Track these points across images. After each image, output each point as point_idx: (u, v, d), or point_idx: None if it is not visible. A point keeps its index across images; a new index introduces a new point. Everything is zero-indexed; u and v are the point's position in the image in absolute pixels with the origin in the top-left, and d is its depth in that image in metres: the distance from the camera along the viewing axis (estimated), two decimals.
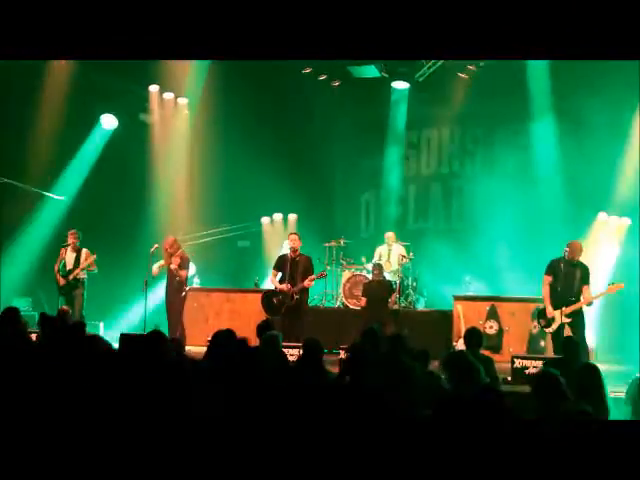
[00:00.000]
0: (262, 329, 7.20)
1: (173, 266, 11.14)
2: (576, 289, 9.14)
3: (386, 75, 14.19)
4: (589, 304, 9.14)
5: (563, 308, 9.04)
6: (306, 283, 10.61)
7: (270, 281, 11.28)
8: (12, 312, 7.47)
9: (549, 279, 9.33)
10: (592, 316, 9.31)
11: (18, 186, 12.23)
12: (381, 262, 12.36)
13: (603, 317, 11.13)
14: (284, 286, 10.65)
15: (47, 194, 12.77)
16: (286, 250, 11.29)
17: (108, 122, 13.92)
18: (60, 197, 12.79)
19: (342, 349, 9.26)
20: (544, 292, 9.36)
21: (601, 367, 6.49)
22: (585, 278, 9.20)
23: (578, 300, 9.12)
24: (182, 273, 11.20)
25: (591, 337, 9.09)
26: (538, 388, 4.74)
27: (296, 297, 10.60)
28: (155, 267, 11.36)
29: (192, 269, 13.41)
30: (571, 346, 7.05)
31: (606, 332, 11.26)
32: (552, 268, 9.33)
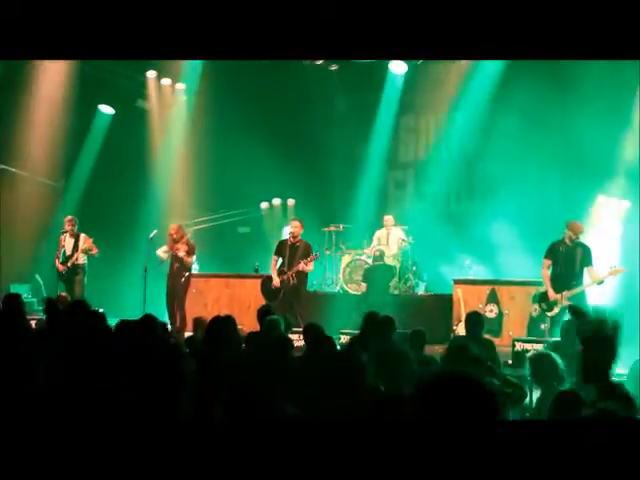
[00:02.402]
0: (263, 314, 7.17)
1: (182, 253, 11.16)
2: (577, 271, 9.14)
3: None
4: (600, 282, 9.10)
5: (565, 292, 9.04)
6: (300, 266, 10.64)
7: (271, 267, 11.30)
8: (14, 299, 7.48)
9: (548, 262, 9.34)
10: (594, 299, 9.27)
11: (16, 172, 12.21)
12: (381, 247, 12.34)
13: (604, 299, 11.12)
14: (277, 281, 10.73)
15: (45, 180, 12.74)
16: (287, 235, 11.32)
17: (105, 108, 13.91)
18: (55, 183, 12.76)
19: (342, 334, 9.31)
20: (544, 276, 9.37)
21: None
22: (587, 259, 9.17)
23: (579, 283, 9.12)
24: (189, 259, 11.26)
25: None
26: (535, 370, 4.74)
27: (293, 281, 10.65)
28: (161, 252, 11.36)
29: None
30: (570, 329, 7.03)
31: None
32: (551, 251, 9.34)
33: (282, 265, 10.88)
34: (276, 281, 10.81)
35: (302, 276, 10.87)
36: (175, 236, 11.24)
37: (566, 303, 9.04)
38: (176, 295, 11.26)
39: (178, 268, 11.24)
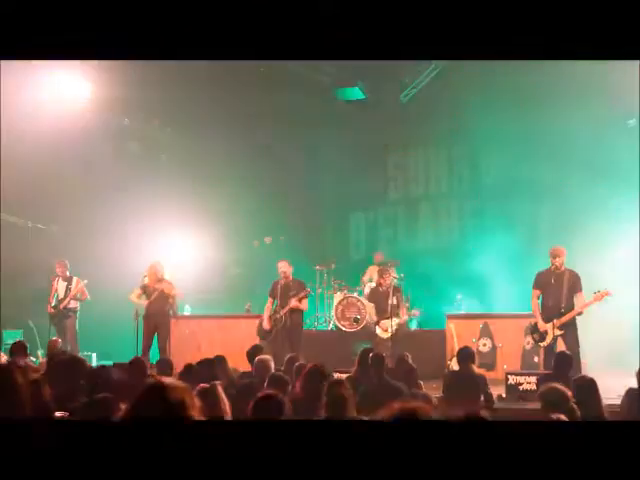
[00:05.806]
0: (252, 354, 7.19)
1: (174, 291, 11.12)
2: (565, 299, 9.05)
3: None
4: (578, 314, 9.06)
5: (554, 321, 9.01)
6: (293, 304, 10.62)
7: (265, 308, 11.20)
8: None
9: (537, 293, 9.32)
10: (583, 328, 9.25)
11: (6, 219, 12.22)
12: (372, 284, 12.38)
13: (593, 329, 11.13)
14: (267, 324, 10.75)
15: (37, 225, 12.75)
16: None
17: (97, 150, 13.91)
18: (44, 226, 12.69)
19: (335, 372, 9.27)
20: (533, 306, 9.35)
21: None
22: (575, 285, 9.10)
23: (569, 310, 9.03)
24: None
25: (583, 349, 9.04)
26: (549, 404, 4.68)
27: (287, 320, 10.63)
28: (134, 297, 11.18)
29: (182, 296, 13.37)
30: (563, 361, 7.05)
31: (597, 344, 11.25)
32: (539, 281, 9.30)
33: (276, 306, 10.87)
34: (266, 324, 10.79)
35: (297, 316, 10.80)
36: (159, 274, 11.10)
37: (558, 332, 9.02)
38: (164, 334, 11.08)
39: (165, 307, 11.12)
